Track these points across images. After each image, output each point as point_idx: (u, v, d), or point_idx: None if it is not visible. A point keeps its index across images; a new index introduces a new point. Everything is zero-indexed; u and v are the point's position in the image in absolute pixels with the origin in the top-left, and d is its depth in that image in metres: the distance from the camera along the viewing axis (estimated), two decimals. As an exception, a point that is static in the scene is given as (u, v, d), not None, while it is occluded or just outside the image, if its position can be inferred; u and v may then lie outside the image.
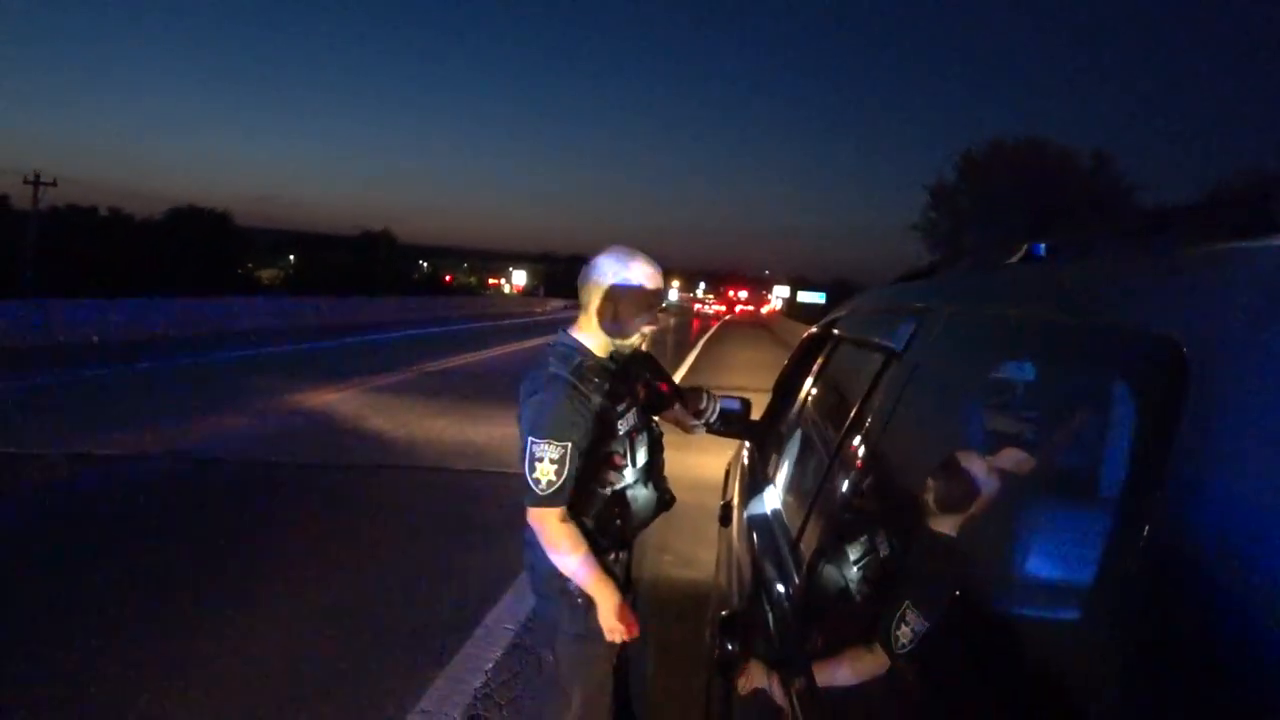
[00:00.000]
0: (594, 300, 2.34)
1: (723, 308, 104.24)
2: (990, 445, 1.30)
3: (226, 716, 3.27)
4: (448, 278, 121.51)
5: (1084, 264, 1.23)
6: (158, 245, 56.22)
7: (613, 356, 2.43)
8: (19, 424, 8.23)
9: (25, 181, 41.32)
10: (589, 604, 2.35)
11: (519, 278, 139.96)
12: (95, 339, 16.19)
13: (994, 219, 36.93)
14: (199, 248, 58.24)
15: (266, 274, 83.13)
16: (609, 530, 2.39)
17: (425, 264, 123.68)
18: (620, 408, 2.40)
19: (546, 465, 2.17)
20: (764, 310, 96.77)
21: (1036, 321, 1.14)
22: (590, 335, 2.38)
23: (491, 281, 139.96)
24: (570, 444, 2.19)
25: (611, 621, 2.33)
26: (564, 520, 2.24)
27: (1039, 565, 0.95)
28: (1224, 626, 0.62)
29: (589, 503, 2.34)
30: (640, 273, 2.33)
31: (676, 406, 2.81)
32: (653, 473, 2.52)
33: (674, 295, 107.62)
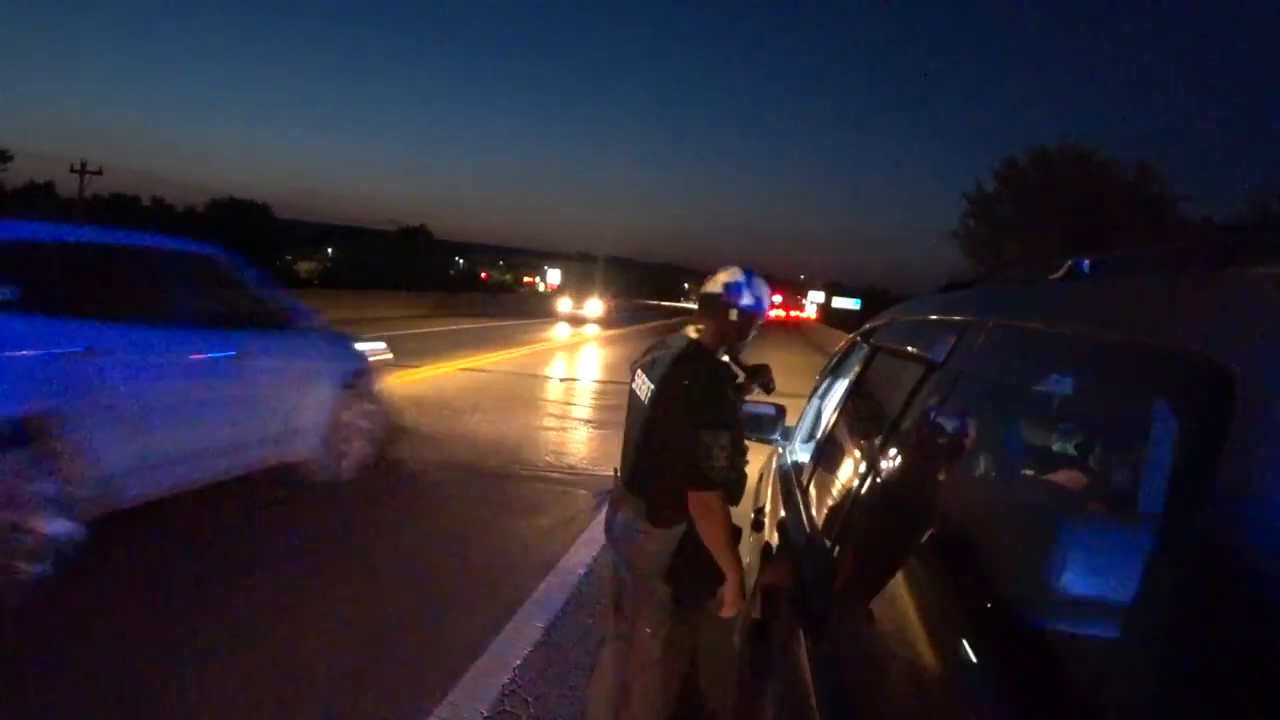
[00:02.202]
0: (726, 316, 2.73)
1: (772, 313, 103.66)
2: (1030, 459, 1.30)
3: (259, 703, 3.32)
4: (484, 275, 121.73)
5: (1130, 283, 1.23)
6: (198, 235, 56.71)
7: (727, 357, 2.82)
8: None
9: (71, 170, 42.01)
10: (700, 573, 2.64)
11: (553, 276, 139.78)
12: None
13: (1034, 228, 36.46)
14: (239, 239, 58.73)
15: (304, 266, 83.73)
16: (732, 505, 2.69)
17: (461, 260, 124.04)
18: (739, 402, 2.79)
19: (719, 451, 2.47)
20: (797, 315, 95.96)
21: (1080, 338, 1.15)
22: (713, 340, 2.75)
23: (526, 280, 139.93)
24: (733, 432, 2.56)
25: (734, 595, 2.60)
26: (724, 502, 2.55)
27: (1079, 581, 0.95)
28: (1268, 647, 0.62)
29: (733, 483, 2.66)
30: (764, 297, 2.80)
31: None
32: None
33: None
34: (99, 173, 43.16)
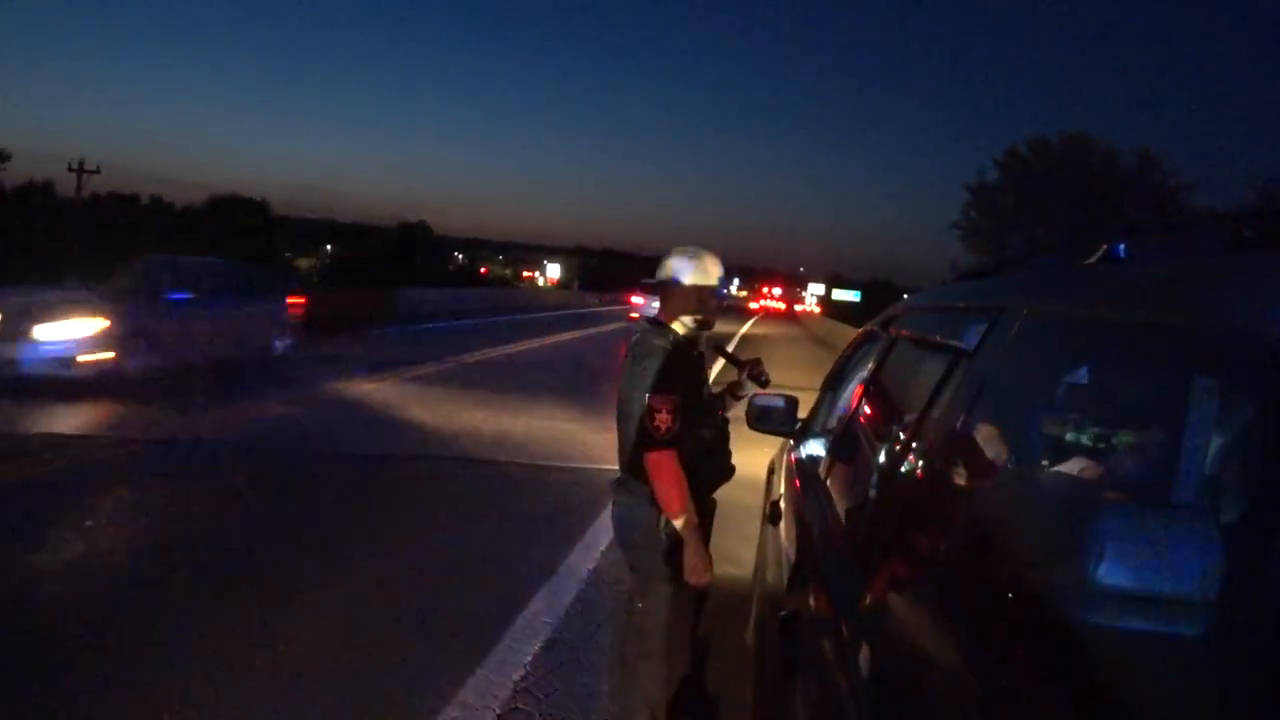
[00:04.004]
0: (670, 290, 2.94)
1: (770, 304, 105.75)
2: (1070, 449, 1.26)
3: (269, 699, 3.30)
4: (483, 270, 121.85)
5: (1186, 265, 1.19)
6: (197, 233, 56.79)
7: (691, 335, 2.97)
8: (83, 407, 8.33)
9: (70, 169, 41.92)
10: (683, 548, 2.76)
11: (553, 270, 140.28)
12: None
13: (1037, 219, 36.47)
14: (238, 236, 58.69)
15: (304, 263, 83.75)
16: (700, 476, 2.86)
17: (461, 256, 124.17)
18: (705, 375, 2.99)
19: (665, 414, 2.70)
20: (797, 309, 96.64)
21: (1131, 323, 1.10)
22: (671, 317, 2.95)
23: (525, 274, 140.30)
24: (678, 397, 2.73)
25: (694, 560, 2.74)
26: (677, 462, 2.72)
27: (1122, 574, 0.92)
28: None
29: (689, 449, 2.80)
30: (706, 268, 2.94)
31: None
32: (725, 441, 3.07)
33: None
34: (97, 171, 43.08)
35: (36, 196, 53.61)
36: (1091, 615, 0.94)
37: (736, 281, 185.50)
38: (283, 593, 4.27)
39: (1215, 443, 0.89)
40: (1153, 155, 36.81)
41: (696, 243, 3.06)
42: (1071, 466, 1.22)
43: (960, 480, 1.44)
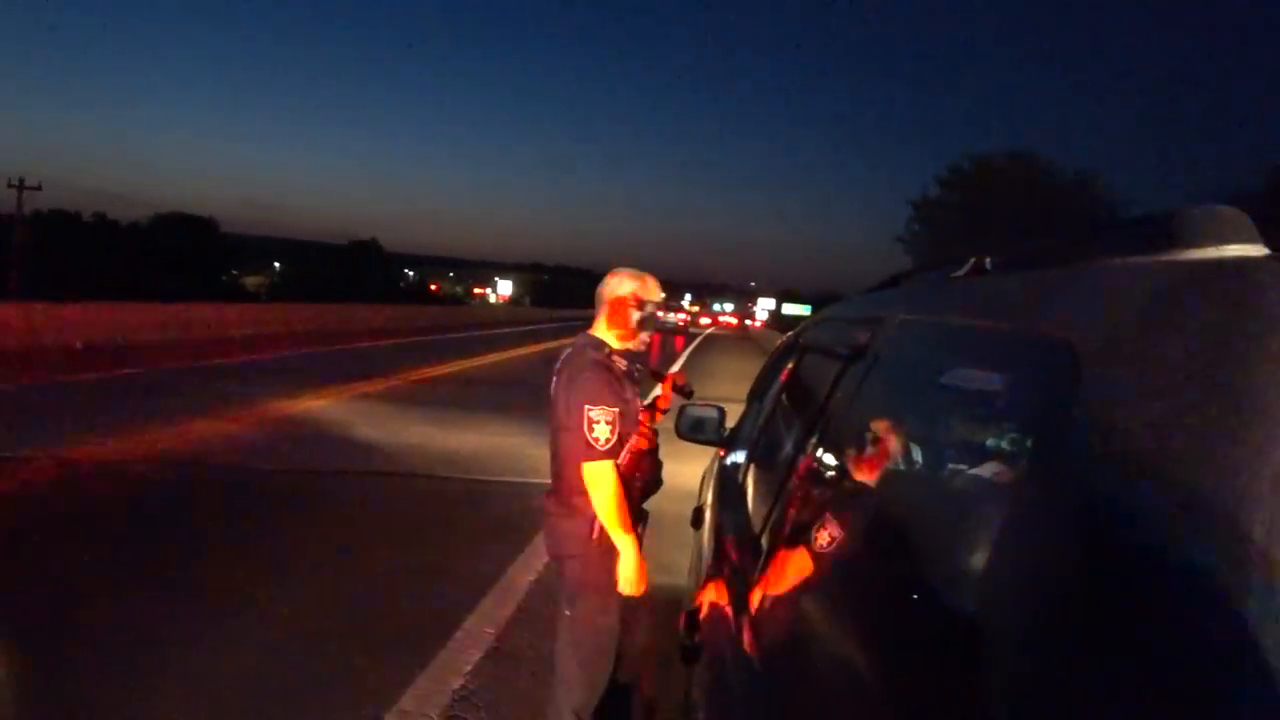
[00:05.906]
0: (613, 307, 2.96)
1: (723, 318, 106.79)
2: (945, 447, 1.38)
3: (206, 715, 3.32)
4: (434, 286, 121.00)
5: (1007, 278, 1.32)
6: (142, 251, 55.62)
7: (627, 350, 3.01)
8: (3, 427, 8.21)
9: (10, 185, 41.03)
10: (613, 557, 2.81)
11: (504, 287, 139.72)
12: (79, 344, 16.08)
13: (978, 233, 37.02)
14: (184, 254, 57.63)
15: (252, 281, 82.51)
16: (633, 484, 2.90)
17: (412, 273, 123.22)
18: (636, 388, 3.00)
19: (603, 426, 2.73)
20: (748, 324, 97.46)
21: (970, 329, 1.23)
22: (608, 334, 2.97)
23: (477, 291, 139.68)
24: (618, 410, 2.76)
25: (629, 572, 2.81)
26: (615, 474, 2.76)
27: (978, 565, 1.00)
28: (1111, 604, 0.68)
29: (623, 459, 2.84)
30: (649, 288, 3.00)
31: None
32: (655, 452, 3.08)
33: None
34: (38, 188, 42.27)
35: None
36: (950, 600, 1.03)
37: (689, 297, 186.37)
38: (224, 604, 4.29)
39: (1039, 431, 0.98)
40: (1089, 173, 37.65)
41: (650, 257, 3.10)
42: (942, 463, 1.34)
43: (841, 478, 1.55)
